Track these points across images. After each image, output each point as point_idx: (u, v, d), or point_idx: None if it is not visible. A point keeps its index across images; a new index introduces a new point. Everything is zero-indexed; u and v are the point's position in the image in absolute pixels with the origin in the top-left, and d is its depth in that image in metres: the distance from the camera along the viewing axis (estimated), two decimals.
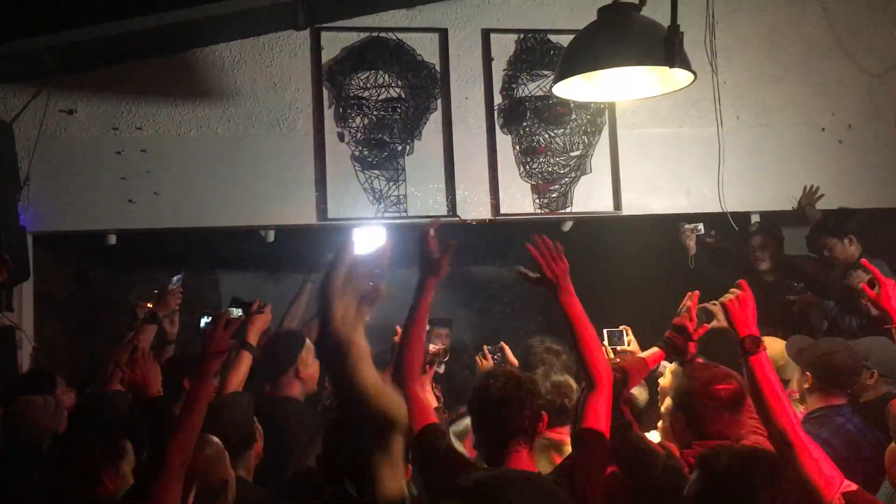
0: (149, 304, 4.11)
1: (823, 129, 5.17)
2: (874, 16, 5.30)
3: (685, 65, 3.12)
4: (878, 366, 3.30)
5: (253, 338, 3.61)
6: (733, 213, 4.98)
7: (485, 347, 4.08)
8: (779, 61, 5.16)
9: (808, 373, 3.24)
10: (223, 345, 2.60)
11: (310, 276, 5.21)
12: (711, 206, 4.97)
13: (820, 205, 5.02)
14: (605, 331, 3.50)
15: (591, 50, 3.17)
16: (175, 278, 4.26)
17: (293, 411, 3.51)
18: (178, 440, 2.36)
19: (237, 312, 3.87)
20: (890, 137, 5.23)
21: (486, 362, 3.97)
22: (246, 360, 3.55)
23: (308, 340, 3.71)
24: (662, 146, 4.97)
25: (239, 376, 3.50)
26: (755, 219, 5.13)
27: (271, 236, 4.70)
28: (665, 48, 2.97)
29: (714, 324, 3.19)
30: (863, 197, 5.18)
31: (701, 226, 4.94)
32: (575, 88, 3.46)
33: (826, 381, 3.21)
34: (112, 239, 4.51)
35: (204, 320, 4.01)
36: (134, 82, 4.45)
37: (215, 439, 2.87)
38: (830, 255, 4.73)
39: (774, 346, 3.46)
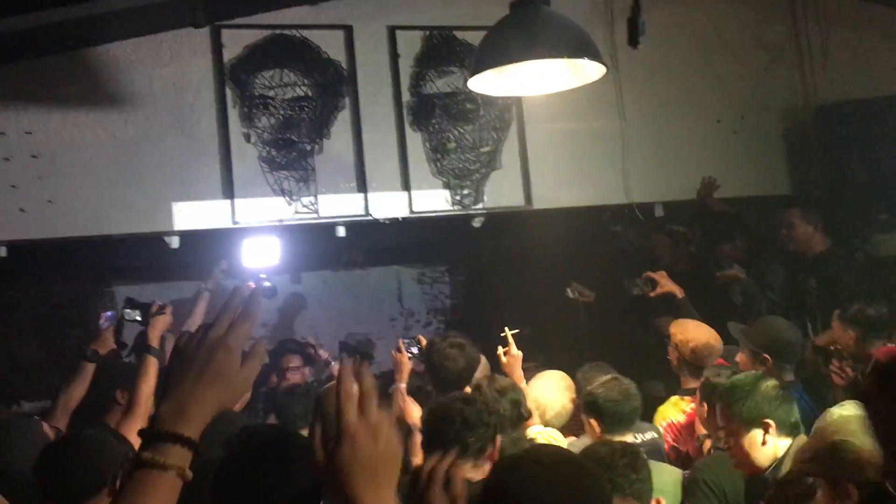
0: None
1: (719, 121, 5.39)
2: (760, 12, 5.57)
3: (597, 57, 3.18)
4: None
5: (155, 341, 3.50)
6: (639, 204, 5.13)
7: (400, 341, 4.03)
8: (675, 57, 5.33)
9: (765, 355, 3.33)
10: None
11: (206, 285, 5.01)
12: (617, 198, 5.11)
13: (718, 193, 5.21)
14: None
15: (505, 44, 3.19)
16: (108, 314, 4.15)
17: None
18: None
19: (134, 315, 3.70)
20: (777, 126, 5.50)
21: (401, 356, 3.93)
22: (153, 366, 3.40)
23: None
24: (569, 140, 5.06)
25: (149, 385, 3.35)
26: (659, 211, 5.30)
27: (175, 242, 4.50)
28: (628, 28, 3.01)
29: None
30: (755, 185, 5.44)
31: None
32: (488, 83, 3.48)
33: (782, 360, 3.32)
34: (2, 251, 4.23)
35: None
36: (22, 84, 4.17)
37: None
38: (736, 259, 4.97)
39: (699, 330, 3.58)
